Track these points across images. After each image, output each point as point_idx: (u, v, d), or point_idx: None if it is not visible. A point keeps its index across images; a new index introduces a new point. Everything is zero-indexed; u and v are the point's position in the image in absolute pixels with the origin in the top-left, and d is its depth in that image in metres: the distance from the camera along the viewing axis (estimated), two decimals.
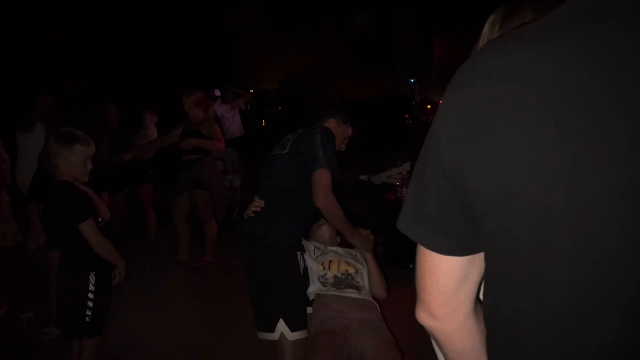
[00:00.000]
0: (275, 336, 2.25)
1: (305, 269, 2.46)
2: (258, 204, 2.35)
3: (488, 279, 0.72)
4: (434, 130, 0.70)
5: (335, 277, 2.46)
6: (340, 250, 2.64)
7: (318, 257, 2.55)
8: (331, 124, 2.56)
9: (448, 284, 0.74)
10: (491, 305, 0.72)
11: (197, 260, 4.72)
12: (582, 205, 0.56)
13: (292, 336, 2.24)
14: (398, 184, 4.63)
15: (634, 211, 0.55)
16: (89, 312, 2.39)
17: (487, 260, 0.71)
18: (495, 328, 0.72)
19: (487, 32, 1.11)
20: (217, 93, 7.45)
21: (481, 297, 0.80)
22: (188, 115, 4.48)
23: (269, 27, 16.47)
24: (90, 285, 2.38)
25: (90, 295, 2.38)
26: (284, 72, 17.83)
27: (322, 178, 2.23)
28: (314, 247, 2.58)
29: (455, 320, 0.77)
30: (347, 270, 2.51)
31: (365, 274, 2.56)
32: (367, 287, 2.51)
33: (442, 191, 0.69)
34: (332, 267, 2.50)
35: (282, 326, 2.24)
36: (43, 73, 9.49)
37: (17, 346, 3.27)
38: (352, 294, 2.41)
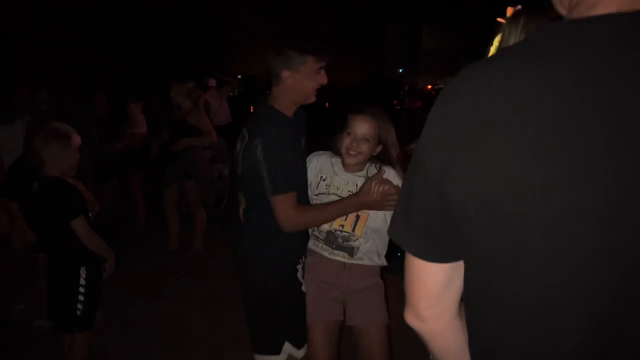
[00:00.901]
0: (281, 358, 2.06)
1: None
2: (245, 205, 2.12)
3: (467, 285, 0.76)
4: (420, 143, 0.73)
5: (328, 232, 2.10)
6: (348, 184, 2.11)
7: (318, 194, 2.14)
8: (286, 79, 1.92)
9: (433, 288, 0.79)
10: (470, 310, 0.77)
11: (187, 249, 4.74)
12: (554, 217, 0.60)
13: (299, 353, 2.08)
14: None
15: (603, 227, 0.58)
16: (80, 306, 2.41)
17: (466, 267, 0.75)
18: (475, 331, 0.77)
19: (513, 33, 1.12)
20: (212, 83, 7.32)
21: None
22: (173, 103, 4.46)
23: (256, 11, 16.30)
24: (81, 279, 2.40)
25: (81, 289, 2.40)
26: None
27: (279, 204, 1.90)
28: (320, 178, 2.15)
29: (441, 321, 0.82)
30: (342, 226, 2.09)
31: (370, 219, 2.09)
32: (366, 244, 2.11)
33: (427, 201, 0.73)
34: None
35: (288, 347, 2.06)
36: (25, 60, 9.34)
37: (8, 339, 3.28)
38: (342, 257, 2.11)
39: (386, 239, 2.15)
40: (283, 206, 1.90)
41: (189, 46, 13.89)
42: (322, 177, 2.16)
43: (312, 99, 1.99)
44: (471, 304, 0.76)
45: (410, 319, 0.84)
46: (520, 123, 0.61)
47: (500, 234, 0.65)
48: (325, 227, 2.10)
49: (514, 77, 0.63)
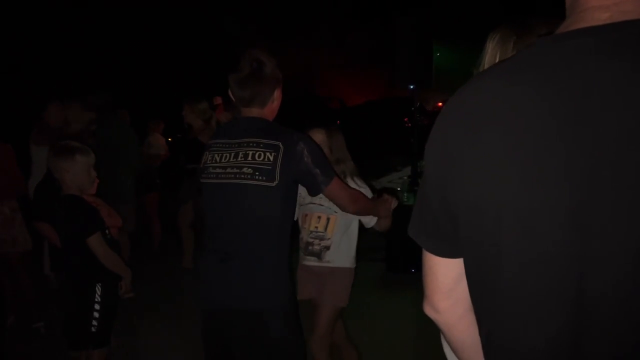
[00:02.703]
0: None
1: None
2: None
3: (467, 280, 0.82)
4: (425, 154, 0.83)
5: (306, 241, 2.57)
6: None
7: (308, 203, 2.53)
8: (277, 96, 1.97)
9: (445, 281, 0.87)
10: (473, 301, 0.82)
11: None
12: (525, 217, 0.67)
13: None
14: (399, 188, 4.67)
15: (568, 225, 0.65)
16: (95, 322, 2.42)
17: (464, 264, 0.81)
18: (479, 323, 0.82)
19: (497, 49, 1.15)
20: (218, 100, 7.46)
21: None
22: (185, 122, 4.54)
23: (268, 32, 16.53)
24: (97, 296, 2.42)
25: (97, 306, 2.41)
26: (283, 76, 17.87)
27: (338, 185, 1.94)
28: None
29: (454, 313, 0.88)
30: (317, 228, 2.54)
31: (338, 219, 2.51)
32: (333, 245, 2.52)
33: (432, 204, 0.82)
34: (306, 222, 2.58)
35: None
36: (53, 81, 9.61)
37: (24, 356, 3.30)
38: (312, 261, 2.56)
39: (353, 241, 2.61)
40: (342, 185, 2.00)
41: (201, 67, 14.13)
42: None
43: None
44: (473, 299, 0.82)
45: (427, 310, 0.91)
46: (495, 137, 0.69)
47: (482, 232, 0.73)
48: (304, 233, 2.56)
49: (490, 98, 0.72)
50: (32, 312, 3.61)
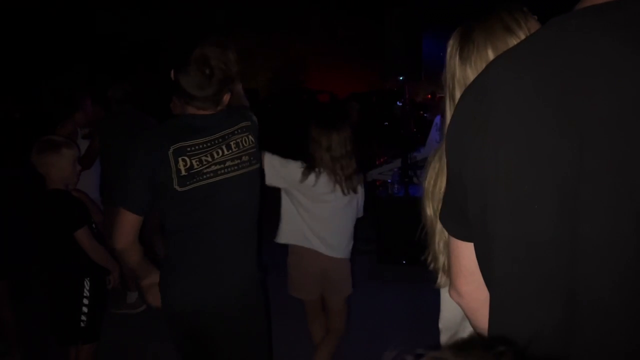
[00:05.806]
0: None
1: None
2: None
3: (478, 265, 0.83)
4: (445, 143, 0.87)
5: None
6: None
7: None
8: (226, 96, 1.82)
9: (467, 265, 0.88)
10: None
11: None
12: (517, 200, 0.69)
13: None
14: (389, 180, 4.65)
15: (560, 210, 0.65)
16: (83, 317, 2.41)
17: (474, 247, 0.83)
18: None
19: (449, 56, 1.15)
20: None
21: None
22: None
23: (259, 25, 16.45)
24: (85, 290, 2.40)
25: (85, 301, 2.40)
26: (272, 70, 17.82)
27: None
28: None
29: (476, 298, 0.89)
30: None
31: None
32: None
33: (454, 190, 0.85)
34: None
35: None
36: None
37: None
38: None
39: (348, 231, 2.69)
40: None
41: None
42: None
43: None
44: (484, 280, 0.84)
45: (452, 294, 0.93)
46: (496, 123, 0.72)
47: (481, 219, 0.75)
48: None
49: (493, 80, 0.75)
50: None
